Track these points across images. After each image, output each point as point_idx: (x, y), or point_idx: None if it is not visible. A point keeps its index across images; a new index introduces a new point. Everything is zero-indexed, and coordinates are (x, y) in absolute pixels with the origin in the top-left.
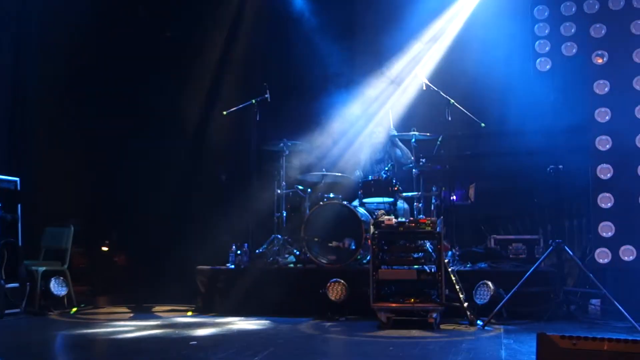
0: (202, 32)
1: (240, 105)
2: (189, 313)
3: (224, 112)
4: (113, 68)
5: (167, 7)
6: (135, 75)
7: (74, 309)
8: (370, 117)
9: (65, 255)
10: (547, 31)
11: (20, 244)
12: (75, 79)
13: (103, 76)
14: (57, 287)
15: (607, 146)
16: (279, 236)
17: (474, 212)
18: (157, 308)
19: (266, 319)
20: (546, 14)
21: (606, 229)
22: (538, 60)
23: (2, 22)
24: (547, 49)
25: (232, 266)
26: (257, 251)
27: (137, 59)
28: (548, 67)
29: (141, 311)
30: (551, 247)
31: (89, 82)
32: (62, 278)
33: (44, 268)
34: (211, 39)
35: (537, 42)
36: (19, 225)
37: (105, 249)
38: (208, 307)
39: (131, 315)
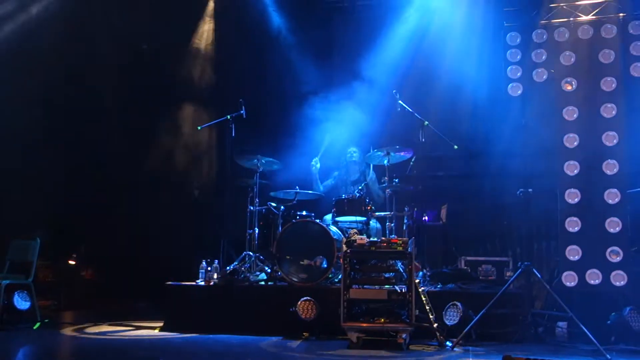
0: (179, 45)
1: (215, 121)
2: (157, 330)
3: (199, 127)
4: (83, 78)
5: (143, 19)
6: (108, 86)
7: (37, 324)
8: (345, 136)
9: (30, 269)
10: (519, 57)
11: None
12: (44, 89)
13: (73, 85)
14: (20, 301)
15: (575, 171)
16: (251, 253)
17: (445, 232)
18: (125, 324)
19: (234, 337)
20: (518, 40)
21: (573, 253)
22: (510, 85)
23: None
24: (518, 74)
25: (202, 283)
26: (227, 268)
27: (112, 70)
28: (519, 92)
29: (108, 327)
30: (520, 270)
31: (59, 92)
32: (26, 292)
33: (7, 281)
34: (188, 53)
35: (509, 68)
36: None
37: (72, 262)
38: (176, 324)
39: (97, 330)
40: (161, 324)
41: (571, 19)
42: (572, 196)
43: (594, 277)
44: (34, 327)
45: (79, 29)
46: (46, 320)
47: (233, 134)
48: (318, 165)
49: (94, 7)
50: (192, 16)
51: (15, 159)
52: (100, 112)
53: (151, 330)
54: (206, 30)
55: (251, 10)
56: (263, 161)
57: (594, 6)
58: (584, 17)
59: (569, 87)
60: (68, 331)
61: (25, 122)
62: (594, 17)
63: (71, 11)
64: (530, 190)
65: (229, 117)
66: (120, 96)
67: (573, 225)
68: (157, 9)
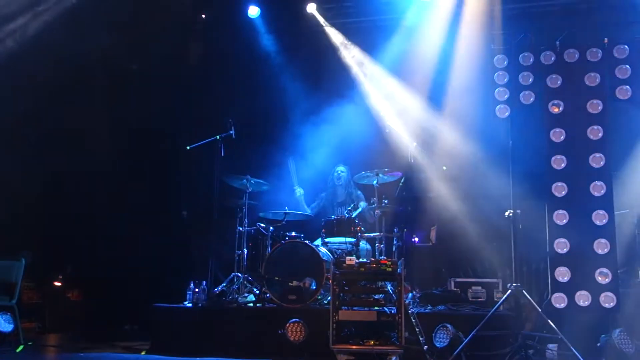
0: (168, 66)
1: (204, 141)
2: (143, 352)
3: (188, 147)
4: (71, 100)
5: (133, 39)
6: (95, 107)
7: (20, 347)
8: (334, 157)
9: (14, 290)
10: (506, 80)
11: None
12: (31, 109)
13: (60, 107)
14: (3, 324)
15: (563, 192)
16: (239, 274)
17: (434, 254)
18: (111, 346)
19: None
20: (505, 63)
21: (562, 274)
22: (497, 107)
23: None
24: (506, 96)
25: (190, 304)
26: (215, 289)
27: (98, 91)
28: (507, 114)
29: (93, 349)
30: (509, 291)
31: (47, 112)
32: (9, 314)
33: None
34: (177, 73)
35: (496, 90)
36: None
37: (58, 284)
38: (163, 346)
39: (82, 353)
40: (148, 347)
41: (557, 42)
42: (560, 217)
43: (583, 298)
44: (17, 350)
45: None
46: (30, 343)
47: (222, 154)
48: (301, 191)
49: (81, 29)
50: (181, 36)
51: (1, 177)
52: (87, 132)
53: (137, 353)
54: (194, 50)
55: (240, 31)
56: (252, 182)
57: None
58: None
59: (556, 110)
60: (52, 354)
61: (10, 141)
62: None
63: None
64: (518, 211)
65: (218, 137)
66: (107, 117)
67: (562, 246)
68: (145, 29)
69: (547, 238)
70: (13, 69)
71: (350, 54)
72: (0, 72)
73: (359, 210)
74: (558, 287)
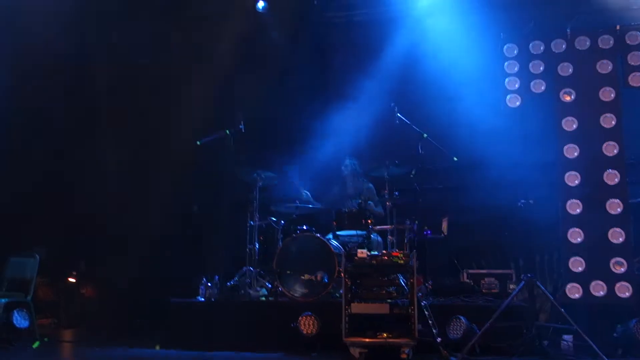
0: (178, 61)
1: (214, 136)
2: (157, 347)
3: (198, 142)
4: (84, 93)
5: (142, 36)
6: (108, 102)
7: (37, 343)
8: (344, 150)
9: (29, 287)
10: (516, 69)
11: None
12: (44, 99)
13: (73, 99)
14: (19, 320)
15: (576, 182)
16: (251, 268)
17: (446, 245)
18: (125, 341)
19: (235, 354)
20: (515, 52)
21: (577, 264)
22: (508, 97)
23: None
24: (516, 85)
25: (202, 299)
26: (228, 283)
27: (110, 86)
28: (518, 103)
29: (106, 345)
30: (523, 282)
31: (60, 104)
32: (25, 310)
33: (6, 300)
34: (186, 68)
35: (507, 79)
36: None
37: (72, 280)
38: (177, 341)
39: (97, 348)
40: (161, 341)
41: (568, 29)
42: (574, 207)
43: (598, 288)
44: (33, 346)
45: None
46: (45, 339)
47: (232, 149)
48: (307, 193)
49: (91, 23)
50: (191, 32)
51: (15, 176)
52: (97, 128)
53: (151, 348)
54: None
55: (250, 25)
56: (263, 176)
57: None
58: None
59: (568, 98)
60: (68, 349)
61: (26, 139)
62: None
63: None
64: (531, 201)
65: (227, 131)
66: (117, 111)
67: (576, 236)
68: (155, 25)
69: (561, 228)
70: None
71: (356, 46)
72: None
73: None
74: (572, 277)
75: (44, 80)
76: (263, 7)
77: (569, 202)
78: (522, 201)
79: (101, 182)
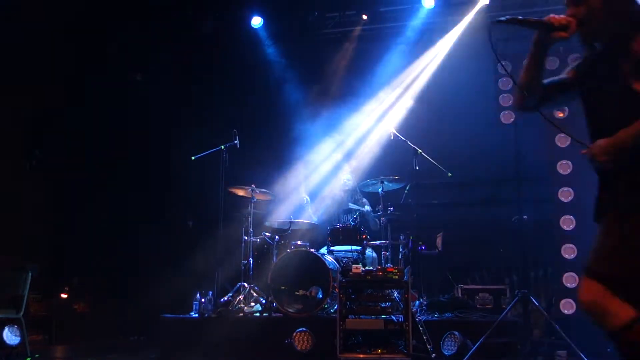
0: (172, 76)
1: (209, 151)
2: None
3: (193, 158)
4: (80, 111)
5: (136, 50)
6: (103, 119)
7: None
8: (339, 165)
9: (21, 302)
10: (509, 86)
11: None
12: (39, 120)
13: (69, 119)
14: (10, 336)
15: (570, 198)
16: (245, 284)
17: (441, 261)
18: (118, 358)
19: None
20: (510, 69)
21: (570, 280)
22: (502, 113)
23: None
24: (510, 102)
25: (196, 315)
26: (222, 299)
27: (106, 103)
28: (511, 120)
29: None
30: (517, 298)
31: (54, 124)
32: (16, 326)
33: None
34: (180, 83)
35: (500, 96)
36: None
37: (64, 295)
38: (170, 357)
39: None
40: (155, 358)
41: (560, 47)
42: (567, 223)
43: None
44: None
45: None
46: (37, 356)
47: (226, 164)
48: (308, 199)
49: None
50: (183, 46)
51: (7, 189)
52: (88, 142)
53: None
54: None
55: (245, 40)
56: (257, 191)
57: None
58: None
59: (561, 115)
60: None
61: (16, 150)
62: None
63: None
64: (525, 217)
65: (222, 147)
66: (113, 129)
67: (569, 252)
68: (151, 35)
69: (555, 244)
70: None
71: (353, 62)
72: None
73: (365, 208)
74: (566, 293)
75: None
76: (259, 24)
77: (562, 218)
78: (516, 217)
79: (95, 197)
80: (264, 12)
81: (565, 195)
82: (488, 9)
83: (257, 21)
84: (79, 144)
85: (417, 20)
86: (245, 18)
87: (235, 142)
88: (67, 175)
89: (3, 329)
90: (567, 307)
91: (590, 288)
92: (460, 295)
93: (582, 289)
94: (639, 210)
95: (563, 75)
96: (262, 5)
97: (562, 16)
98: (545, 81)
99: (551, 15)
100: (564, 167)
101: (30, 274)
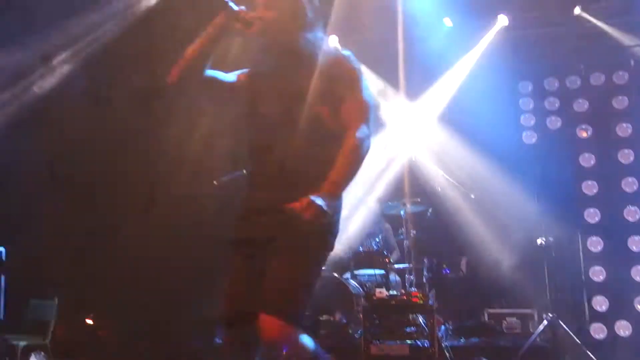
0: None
1: (232, 175)
2: None
3: (215, 182)
4: (105, 139)
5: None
6: (128, 146)
7: None
8: (360, 188)
9: (48, 329)
10: (531, 106)
11: (1, 317)
12: (65, 152)
13: (92, 145)
14: None
15: (596, 218)
16: None
17: (466, 284)
18: None
19: None
20: (530, 88)
21: (600, 303)
22: (524, 134)
23: None
24: (532, 122)
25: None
26: None
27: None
28: (534, 140)
29: None
30: (546, 322)
31: (80, 152)
32: (42, 353)
33: (24, 343)
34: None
35: (522, 116)
36: (2, 297)
37: (89, 322)
38: None
39: None
40: None
41: (582, 65)
42: (595, 244)
43: (623, 328)
44: None
45: None
46: None
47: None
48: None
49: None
50: None
51: (34, 219)
52: (117, 178)
53: None
54: None
55: None
56: None
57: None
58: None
59: (584, 134)
60: None
61: (41, 180)
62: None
63: None
64: (550, 238)
65: (244, 171)
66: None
67: (597, 274)
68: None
69: (582, 266)
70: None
71: (372, 84)
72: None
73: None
74: (596, 316)
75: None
76: None
77: (589, 240)
78: (542, 239)
79: (120, 225)
80: None
81: (592, 216)
82: (508, 28)
83: None
84: (102, 171)
85: (437, 41)
86: None
87: None
88: (91, 208)
89: (29, 355)
90: (598, 331)
91: None
92: (486, 319)
93: None
94: None
95: (233, 77)
96: None
97: (252, 14)
98: (210, 72)
99: (243, 9)
100: (589, 188)
101: (57, 300)
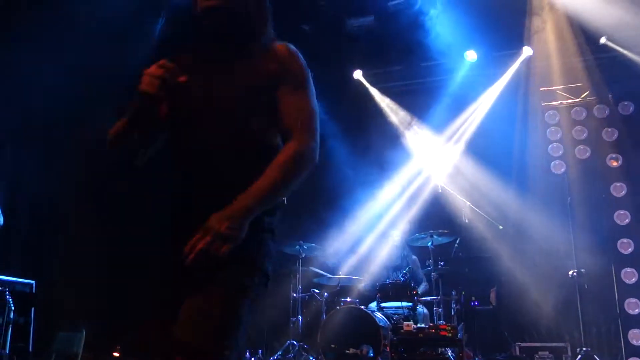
0: None
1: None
2: None
3: None
4: (133, 173)
5: None
6: (150, 180)
7: None
8: (387, 220)
9: None
10: (559, 135)
11: (30, 349)
12: (94, 184)
13: (114, 181)
14: None
15: (630, 249)
16: (295, 342)
17: (496, 317)
18: None
19: None
20: (557, 119)
21: (636, 336)
22: (552, 163)
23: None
24: (560, 152)
25: None
26: (271, 358)
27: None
28: (563, 169)
29: None
30: (580, 356)
31: (109, 186)
32: None
33: None
34: None
35: (550, 146)
36: (31, 329)
37: (116, 354)
38: None
39: None
40: None
41: (610, 94)
42: (629, 276)
43: None
44: None
45: None
46: None
47: None
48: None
49: None
50: None
51: (63, 253)
52: (145, 204)
53: None
54: None
55: None
56: (305, 247)
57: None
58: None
59: (615, 163)
60: None
61: (71, 210)
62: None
63: None
64: (582, 270)
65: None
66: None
67: (633, 307)
68: None
69: (617, 298)
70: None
71: (398, 117)
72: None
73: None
74: (633, 350)
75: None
76: None
77: (623, 271)
78: (574, 270)
79: (143, 256)
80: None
81: (625, 246)
82: (534, 59)
83: None
84: (131, 207)
85: (460, 73)
86: None
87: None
88: (115, 238)
89: None
90: None
91: None
92: (518, 353)
93: None
94: None
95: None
96: (307, 65)
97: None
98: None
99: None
100: (622, 218)
101: (84, 333)
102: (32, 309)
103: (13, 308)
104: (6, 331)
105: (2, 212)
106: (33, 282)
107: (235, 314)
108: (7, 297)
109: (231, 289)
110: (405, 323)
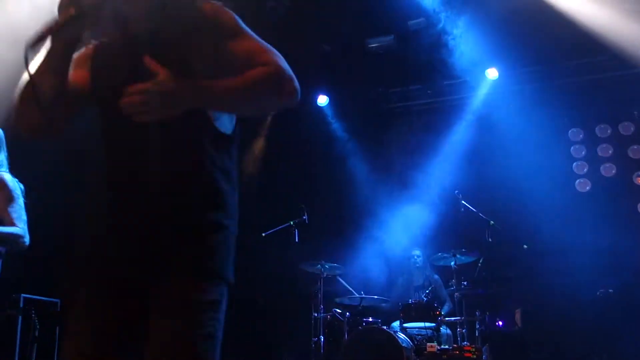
0: (240, 154)
1: (279, 227)
2: None
3: (263, 234)
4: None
5: None
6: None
7: None
8: (407, 240)
9: None
10: (583, 153)
11: None
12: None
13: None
14: None
15: None
16: None
17: (522, 338)
18: None
19: None
20: (581, 136)
21: None
22: (577, 181)
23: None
24: (585, 170)
25: None
26: None
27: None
28: (588, 188)
29: None
30: None
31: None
32: None
33: None
34: (248, 159)
35: (574, 164)
36: (56, 348)
37: None
38: None
39: None
40: None
41: (635, 112)
42: None
43: None
44: None
45: None
46: None
47: (297, 240)
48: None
49: None
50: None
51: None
52: None
53: None
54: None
55: (311, 118)
56: (327, 266)
57: None
58: None
59: None
60: None
61: None
62: None
63: None
64: (610, 290)
65: (292, 223)
66: None
67: None
68: None
69: None
70: None
71: (417, 135)
72: None
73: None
74: None
75: None
76: (325, 103)
77: None
78: (601, 290)
79: None
80: (330, 90)
81: None
82: (558, 76)
83: (323, 100)
84: None
85: (482, 91)
86: (311, 97)
87: (304, 217)
88: None
89: None
90: None
91: None
92: None
93: None
94: None
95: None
96: (328, 84)
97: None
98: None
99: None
100: None
101: None
102: (57, 327)
103: (38, 327)
104: (31, 349)
105: (28, 231)
106: (58, 300)
107: (210, 336)
108: (33, 315)
109: (198, 309)
110: (429, 344)
